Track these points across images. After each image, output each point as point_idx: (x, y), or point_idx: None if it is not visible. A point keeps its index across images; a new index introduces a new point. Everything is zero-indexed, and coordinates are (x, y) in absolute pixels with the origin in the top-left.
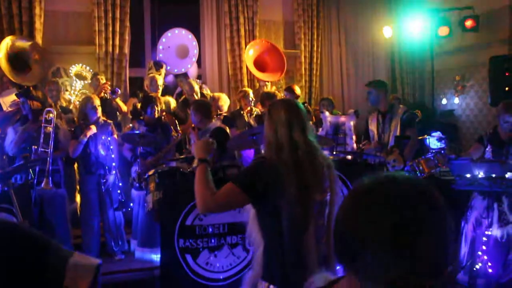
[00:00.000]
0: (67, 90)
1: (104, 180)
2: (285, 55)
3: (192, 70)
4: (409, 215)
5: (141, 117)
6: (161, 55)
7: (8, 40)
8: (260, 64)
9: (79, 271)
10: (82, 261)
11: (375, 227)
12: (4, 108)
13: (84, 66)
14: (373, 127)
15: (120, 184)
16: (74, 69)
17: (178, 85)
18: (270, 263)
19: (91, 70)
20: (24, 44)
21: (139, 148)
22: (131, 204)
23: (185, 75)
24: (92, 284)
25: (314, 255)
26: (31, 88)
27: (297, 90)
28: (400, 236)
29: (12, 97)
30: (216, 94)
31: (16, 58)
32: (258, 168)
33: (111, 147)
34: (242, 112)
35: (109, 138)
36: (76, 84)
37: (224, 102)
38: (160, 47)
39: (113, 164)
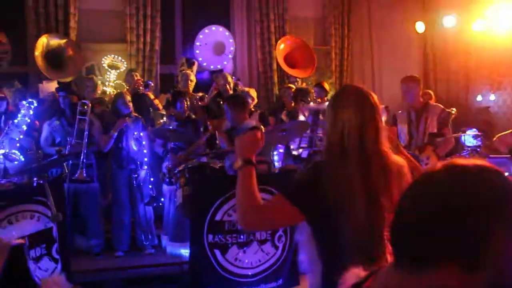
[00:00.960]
0: (102, 84)
1: (136, 175)
2: (315, 52)
3: (228, 67)
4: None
5: (172, 113)
6: (198, 51)
7: (44, 39)
8: (290, 61)
9: None
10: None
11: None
12: (41, 94)
13: (115, 56)
14: (403, 124)
15: (152, 179)
16: (107, 61)
17: (213, 82)
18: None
19: (122, 60)
20: (59, 41)
21: (170, 143)
22: (162, 199)
23: (221, 72)
24: (7, 263)
25: None
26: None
27: (327, 86)
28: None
29: (53, 86)
30: (246, 88)
31: (51, 55)
32: (315, 177)
33: (143, 142)
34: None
35: (141, 134)
36: (110, 75)
37: (252, 96)
38: (197, 43)
39: (145, 159)
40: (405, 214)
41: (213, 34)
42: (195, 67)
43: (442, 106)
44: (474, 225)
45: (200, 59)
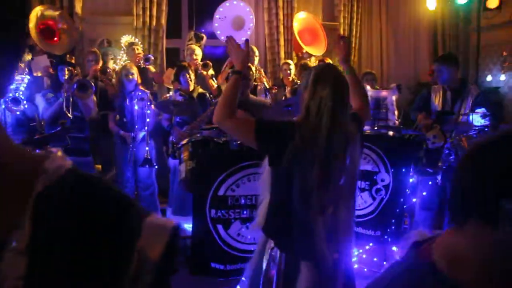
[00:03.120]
0: (111, 59)
1: (133, 135)
2: (324, 27)
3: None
4: None
5: (178, 88)
6: (216, 24)
7: (38, 10)
8: (301, 37)
9: (154, 232)
10: (159, 222)
11: None
12: (34, 72)
13: (133, 37)
14: (437, 102)
15: (149, 142)
16: (124, 39)
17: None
18: (274, 220)
19: (140, 43)
20: (52, 13)
21: (176, 117)
22: (156, 166)
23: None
24: (167, 247)
25: (321, 225)
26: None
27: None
28: None
29: (43, 61)
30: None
31: (45, 27)
32: (287, 131)
33: (147, 116)
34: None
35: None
36: (122, 56)
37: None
38: (217, 16)
39: (147, 120)
40: (463, 175)
41: (233, 8)
42: (203, 42)
43: (479, 90)
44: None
45: (219, 32)
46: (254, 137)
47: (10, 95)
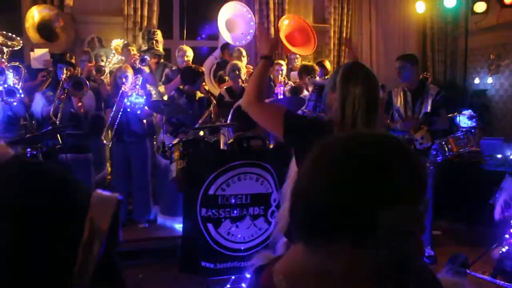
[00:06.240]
0: (102, 60)
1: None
2: (314, 29)
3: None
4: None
5: (182, 88)
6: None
7: (34, 10)
8: (289, 39)
9: (102, 204)
10: (104, 195)
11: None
12: (34, 66)
13: (124, 41)
14: (398, 104)
15: (146, 107)
16: (114, 43)
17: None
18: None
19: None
20: (49, 13)
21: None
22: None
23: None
24: (114, 218)
25: None
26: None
27: (328, 65)
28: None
29: (44, 54)
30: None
31: (43, 27)
32: (317, 124)
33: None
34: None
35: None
36: (113, 58)
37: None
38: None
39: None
40: (300, 186)
41: (230, 9)
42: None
43: (438, 88)
44: (365, 198)
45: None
46: (282, 127)
47: (5, 86)
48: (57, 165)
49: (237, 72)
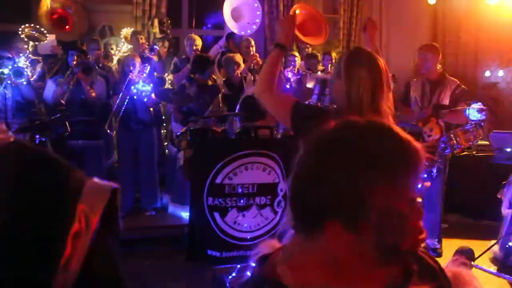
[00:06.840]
0: (112, 49)
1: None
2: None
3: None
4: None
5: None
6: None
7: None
8: (300, 28)
9: (94, 193)
10: (99, 184)
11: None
12: (40, 49)
13: (132, 29)
14: (416, 94)
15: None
16: (124, 31)
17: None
18: None
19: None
20: (61, 1)
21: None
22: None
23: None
24: (108, 207)
25: None
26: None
27: (334, 56)
28: None
29: (51, 40)
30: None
31: (58, 17)
32: (324, 113)
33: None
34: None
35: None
36: (123, 46)
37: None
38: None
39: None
40: (296, 172)
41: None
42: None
43: (457, 82)
44: (354, 180)
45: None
46: (290, 116)
47: (10, 67)
48: (67, 151)
49: (234, 67)
